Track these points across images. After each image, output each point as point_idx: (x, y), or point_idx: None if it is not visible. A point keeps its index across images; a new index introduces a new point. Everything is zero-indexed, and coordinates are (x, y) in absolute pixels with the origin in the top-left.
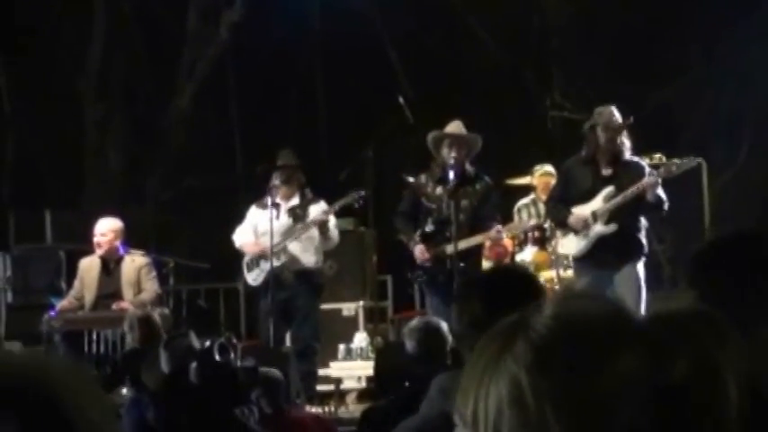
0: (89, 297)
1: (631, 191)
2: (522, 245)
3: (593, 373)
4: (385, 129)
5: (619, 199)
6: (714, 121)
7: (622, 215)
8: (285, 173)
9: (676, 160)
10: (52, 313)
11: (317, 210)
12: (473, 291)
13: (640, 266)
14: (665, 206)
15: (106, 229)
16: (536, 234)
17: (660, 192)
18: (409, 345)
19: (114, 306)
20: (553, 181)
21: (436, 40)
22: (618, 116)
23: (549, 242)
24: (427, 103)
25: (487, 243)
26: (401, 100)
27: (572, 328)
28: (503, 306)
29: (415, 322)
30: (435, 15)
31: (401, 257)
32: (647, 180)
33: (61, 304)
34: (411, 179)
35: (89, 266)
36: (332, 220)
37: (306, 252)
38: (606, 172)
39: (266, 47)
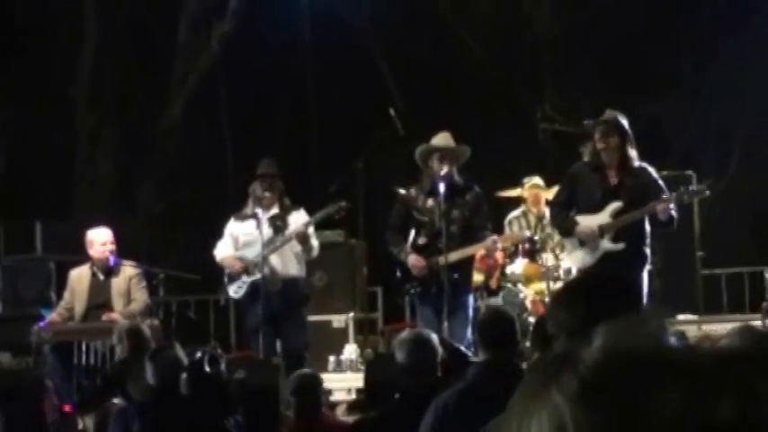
0: (79, 308)
1: (641, 211)
2: (512, 257)
3: (636, 407)
4: (375, 140)
5: (628, 218)
6: (705, 133)
7: (630, 231)
8: (266, 181)
9: (692, 187)
10: (42, 324)
11: (296, 218)
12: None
13: (644, 276)
14: (675, 223)
15: (107, 238)
16: (526, 246)
17: (673, 211)
18: (399, 356)
19: (104, 317)
20: (543, 193)
21: (427, 51)
22: (618, 125)
23: (539, 254)
24: (418, 114)
25: (479, 254)
26: (392, 111)
27: (619, 361)
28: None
29: (405, 334)
30: (426, 27)
31: (391, 269)
32: (661, 205)
33: (51, 317)
34: (401, 191)
35: (79, 277)
36: (310, 229)
37: (288, 263)
38: (614, 180)
39: (257, 58)
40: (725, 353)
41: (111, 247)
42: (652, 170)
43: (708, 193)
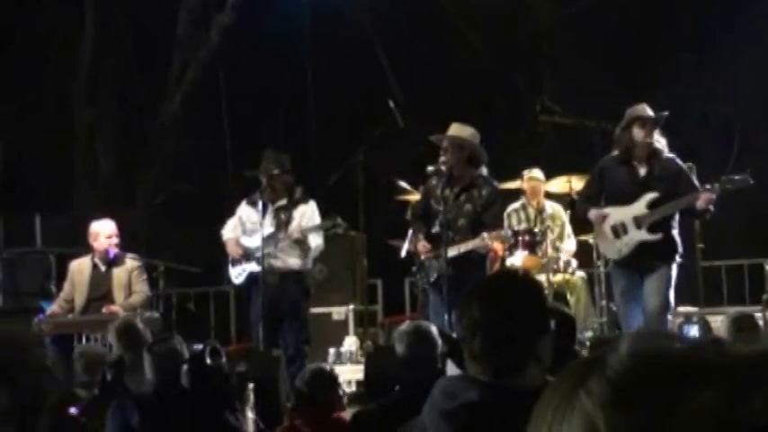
0: (79, 300)
1: (684, 201)
2: (512, 249)
3: (669, 410)
4: (375, 133)
5: (666, 208)
6: (705, 127)
7: (664, 222)
8: (265, 179)
9: (735, 176)
10: (42, 316)
11: (303, 212)
12: (473, 295)
13: (674, 267)
14: (709, 214)
15: (112, 231)
16: (526, 238)
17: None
18: (399, 348)
19: (104, 309)
20: (542, 186)
21: (427, 44)
22: (651, 112)
23: (539, 246)
24: (418, 107)
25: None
26: (391, 104)
27: (649, 365)
28: (501, 311)
29: (404, 326)
30: (426, 19)
31: (391, 261)
32: (705, 195)
33: (51, 309)
34: (402, 183)
35: (80, 269)
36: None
37: (290, 255)
38: (643, 171)
39: (257, 51)
40: (761, 351)
41: (116, 240)
42: (680, 161)
43: (752, 182)
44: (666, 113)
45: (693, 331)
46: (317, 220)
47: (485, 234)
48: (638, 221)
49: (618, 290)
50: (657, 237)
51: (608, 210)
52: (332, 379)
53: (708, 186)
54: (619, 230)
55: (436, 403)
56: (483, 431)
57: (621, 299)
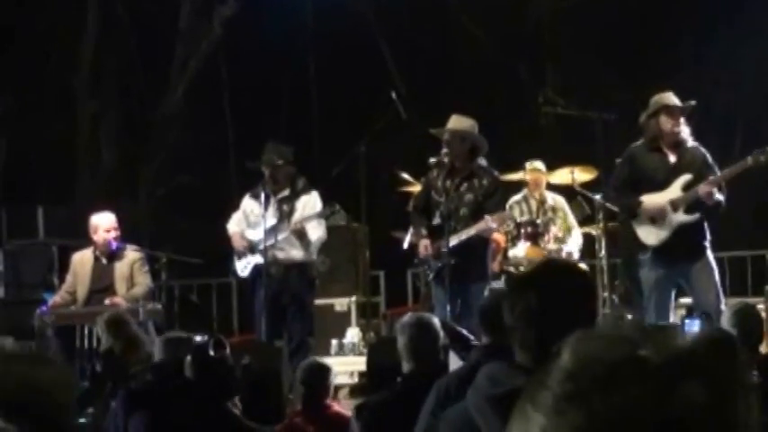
0: (82, 291)
1: (716, 179)
2: (514, 240)
3: (603, 410)
4: (377, 125)
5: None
6: (708, 117)
7: (701, 203)
8: (267, 170)
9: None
10: (44, 308)
11: (306, 203)
12: (528, 283)
13: (711, 254)
14: (721, 207)
15: (111, 224)
16: (529, 230)
17: (718, 194)
18: (401, 340)
19: (107, 301)
20: (544, 177)
21: (429, 36)
22: (677, 100)
23: (541, 238)
24: (420, 98)
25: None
26: (394, 96)
27: (585, 368)
28: (559, 300)
29: (406, 318)
30: (428, 11)
31: (394, 253)
32: (706, 187)
33: (53, 300)
34: (404, 174)
35: (82, 260)
36: (314, 221)
37: (293, 247)
38: (672, 158)
39: (259, 43)
40: (687, 349)
41: (116, 233)
42: (703, 149)
43: None
44: (693, 102)
45: (696, 326)
46: (319, 209)
47: (487, 216)
48: (675, 204)
49: (653, 279)
50: (695, 217)
51: (643, 197)
52: (321, 374)
53: (711, 178)
54: (656, 216)
55: (482, 388)
56: None
57: (656, 289)
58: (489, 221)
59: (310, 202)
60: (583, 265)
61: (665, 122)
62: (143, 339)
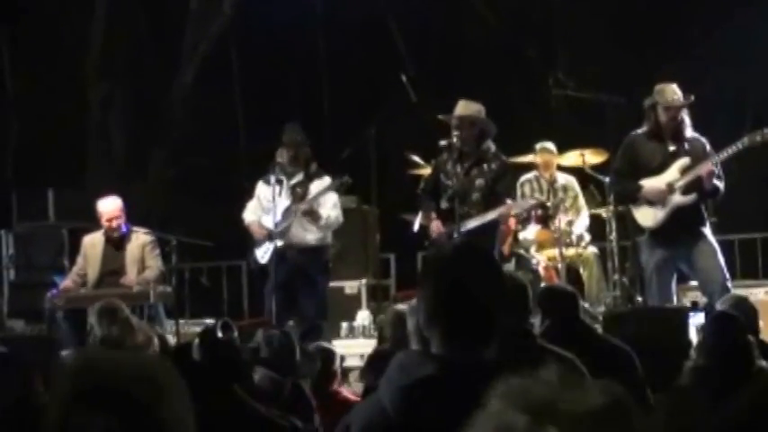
0: (92, 274)
1: (731, 149)
2: (524, 223)
3: None
4: (388, 107)
5: (696, 171)
6: (717, 98)
7: (698, 185)
8: (291, 150)
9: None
10: (55, 291)
11: (319, 186)
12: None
13: (711, 235)
14: (719, 193)
15: (115, 209)
16: (539, 212)
17: (716, 180)
18: (410, 322)
19: (121, 280)
20: (554, 159)
21: (439, 17)
22: (679, 94)
23: (551, 220)
24: (430, 81)
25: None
26: (404, 78)
27: (514, 406)
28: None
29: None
30: None
31: (404, 235)
32: (706, 167)
33: (64, 284)
34: (414, 157)
35: (92, 243)
36: (333, 199)
37: (307, 230)
38: (672, 146)
39: (269, 24)
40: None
41: (118, 221)
42: (704, 139)
43: None
44: (692, 98)
45: (699, 318)
46: (331, 193)
47: (509, 201)
48: (672, 186)
49: (652, 261)
50: (692, 198)
51: (643, 182)
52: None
53: (710, 158)
54: (655, 199)
55: (393, 378)
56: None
57: (655, 272)
58: (512, 206)
59: (321, 189)
60: (592, 248)
61: (662, 115)
62: (138, 325)
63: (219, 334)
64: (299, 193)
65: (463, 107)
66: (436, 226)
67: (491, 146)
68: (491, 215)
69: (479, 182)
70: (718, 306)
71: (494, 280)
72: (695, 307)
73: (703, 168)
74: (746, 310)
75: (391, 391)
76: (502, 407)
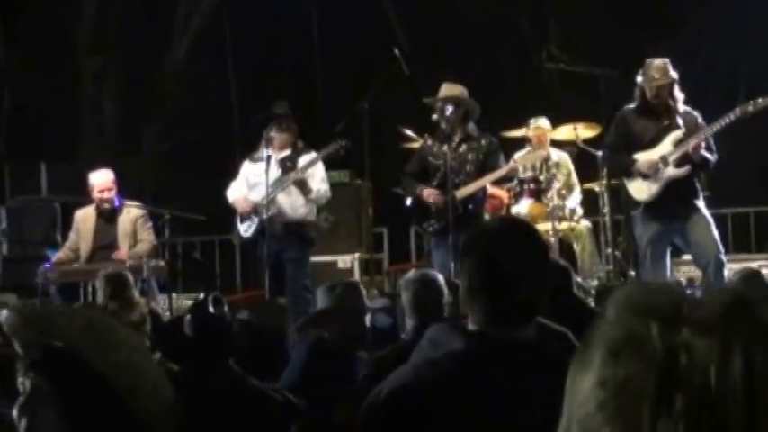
0: (85, 248)
1: (722, 120)
2: (517, 197)
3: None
4: (381, 81)
5: (689, 143)
6: (710, 74)
7: (691, 159)
8: (282, 122)
9: (759, 100)
10: (47, 265)
11: (305, 160)
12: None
13: (705, 208)
14: (710, 165)
15: (107, 181)
16: (532, 186)
17: (705, 152)
18: (405, 296)
19: (113, 255)
20: (548, 134)
21: None
22: (665, 71)
23: (544, 195)
24: (423, 54)
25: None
26: (397, 52)
27: (641, 318)
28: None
29: (411, 274)
30: None
31: (397, 210)
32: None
33: (57, 256)
34: (407, 132)
35: (84, 217)
36: (321, 173)
37: (295, 203)
38: (665, 120)
39: None
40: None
41: (109, 194)
42: (697, 114)
43: None
44: (674, 76)
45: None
46: (320, 166)
47: (515, 156)
48: (665, 159)
49: (647, 235)
50: (686, 170)
51: (636, 155)
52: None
53: (700, 132)
54: (649, 172)
55: (424, 349)
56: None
57: (650, 246)
58: (517, 162)
59: (311, 159)
60: (585, 222)
61: (647, 92)
62: (138, 302)
63: (211, 309)
64: (288, 167)
65: (447, 89)
66: (428, 192)
67: (475, 127)
68: (494, 176)
69: (471, 156)
70: (732, 280)
71: (536, 258)
72: (691, 284)
73: (691, 143)
74: (760, 283)
75: (421, 362)
76: (627, 315)
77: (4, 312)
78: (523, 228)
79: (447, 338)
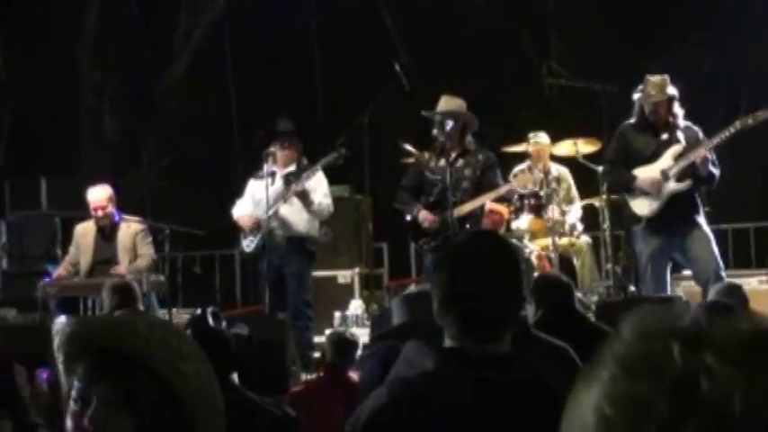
0: (85, 263)
1: (724, 133)
2: (517, 212)
3: (679, 378)
4: (381, 95)
5: (690, 156)
6: (712, 85)
7: (692, 172)
8: (285, 139)
9: (759, 113)
10: (47, 280)
11: (309, 175)
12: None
13: (706, 224)
14: (715, 180)
15: (102, 197)
16: (532, 202)
17: (711, 166)
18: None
19: (112, 271)
20: (547, 149)
21: (433, 5)
22: (663, 88)
23: (544, 209)
24: (423, 69)
25: (487, 207)
26: (397, 66)
27: (655, 342)
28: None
29: (411, 290)
30: None
31: (397, 225)
32: (701, 151)
33: (57, 272)
34: (408, 146)
35: (84, 232)
36: (324, 188)
37: (298, 217)
38: (664, 135)
39: (263, 13)
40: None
41: (105, 211)
42: (698, 129)
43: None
44: (672, 93)
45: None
46: (323, 181)
47: (512, 178)
48: (666, 173)
49: (647, 251)
50: (687, 185)
51: (636, 171)
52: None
53: (703, 144)
54: (650, 189)
55: (400, 370)
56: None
57: (650, 261)
58: (514, 184)
59: (314, 175)
60: (585, 238)
61: (645, 108)
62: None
63: (211, 322)
64: (292, 182)
65: (445, 102)
66: (424, 215)
67: (472, 141)
68: (490, 196)
69: (467, 171)
70: (711, 294)
71: (506, 272)
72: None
73: (697, 154)
74: (740, 297)
75: (395, 382)
76: (645, 334)
77: (62, 321)
78: (494, 241)
79: (420, 357)
